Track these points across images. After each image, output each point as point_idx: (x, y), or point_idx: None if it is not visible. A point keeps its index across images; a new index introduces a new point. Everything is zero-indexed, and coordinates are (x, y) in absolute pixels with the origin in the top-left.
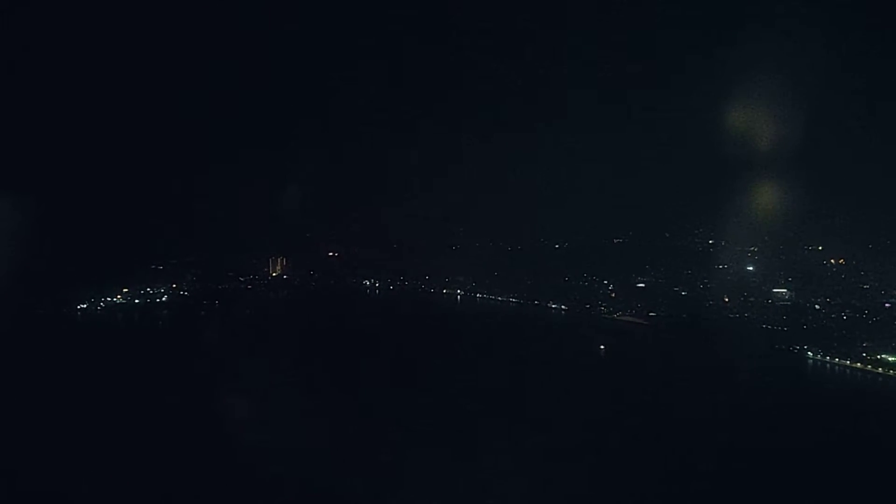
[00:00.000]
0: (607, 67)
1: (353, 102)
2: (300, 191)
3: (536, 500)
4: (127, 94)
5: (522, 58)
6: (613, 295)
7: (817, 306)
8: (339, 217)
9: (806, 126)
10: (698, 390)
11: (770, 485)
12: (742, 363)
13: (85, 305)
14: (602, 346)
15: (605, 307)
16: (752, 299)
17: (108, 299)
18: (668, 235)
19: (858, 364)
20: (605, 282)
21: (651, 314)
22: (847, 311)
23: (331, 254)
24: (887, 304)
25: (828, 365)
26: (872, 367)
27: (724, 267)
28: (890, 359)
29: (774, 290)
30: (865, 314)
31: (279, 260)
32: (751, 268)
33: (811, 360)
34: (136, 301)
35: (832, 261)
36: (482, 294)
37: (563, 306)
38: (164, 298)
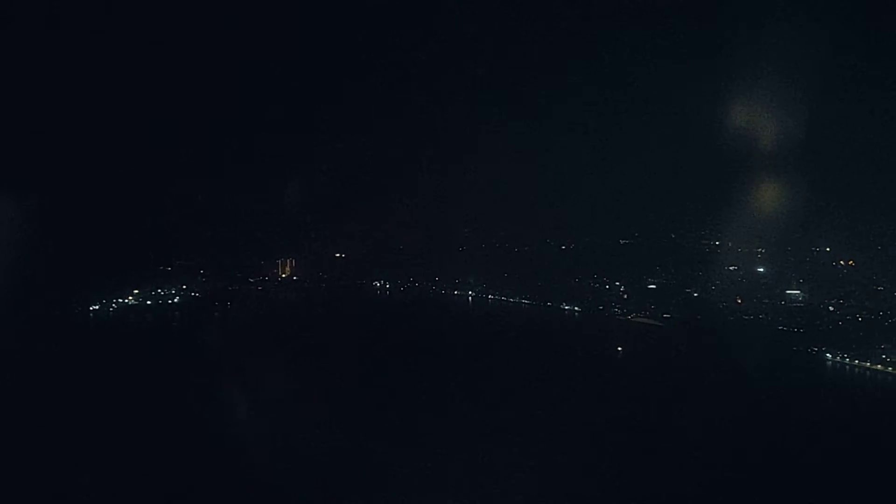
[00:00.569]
0: (610, 67)
1: (358, 103)
2: (304, 191)
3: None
4: (135, 94)
5: (528, 57)
6: (625, 296)
7: (831, 308)
8: (342, 218)
9: (811, 126)
10: (723, 392)
11: (806, 489)
12: (763, 365)
13: (97, 307)
14: (619, 348)
15: (618, 309)
16: (765, 301)
17: (120, 301)
18: (673, 236)
19: (879, 366)
20: (617, 283)
21: (665, 316)
22: (863, 312)
23: (337, 255)
24: None
25: (847, 367)
26: (893, 368)
27: (734, 268)
28: None
29: (788, 292)
30: (881, 316)
31: (288, 261)
32: (761, 269)
33: (830, 362)
34: (148, 302)
35: (841, 262)
36: (493, 295)
37: (576, 308)
38: (176, 300)
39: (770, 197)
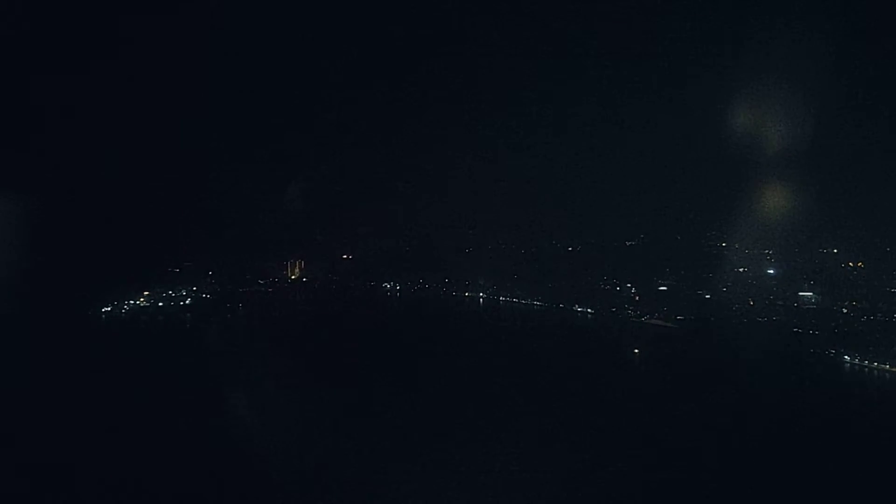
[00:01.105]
0: (618, 69)
1: (365, 105)
2: (309, 192)
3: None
4: (145, 98)
5: (535, 58)
6: (637, 298)
7: (844, 310)
8: (348, 219)
9: (816, 128)
10: (746, 395)
11: (839, 491)
12: (782, 368)
13: (108, 309)
14: (636, 351)
15: (631, 311)
16: (779, 303)
17: (131, 303)
18: (679, 238)
19: None
20: (628, 285)
21: (679, 318)
22: (877, 314)
23: (344, 256)
24: None
25: (866, 369)
26: None
27: (744, 270)
28: None
29: (800, 294)
30: (895, 318)
31: (298, 262)
32: (771, 271)
33: (848, 365)
34: (160, 304)
35: (850, 264)
36: (505, 297)
37: (588, 310)
38: (187, 301)
39: (775, 198)
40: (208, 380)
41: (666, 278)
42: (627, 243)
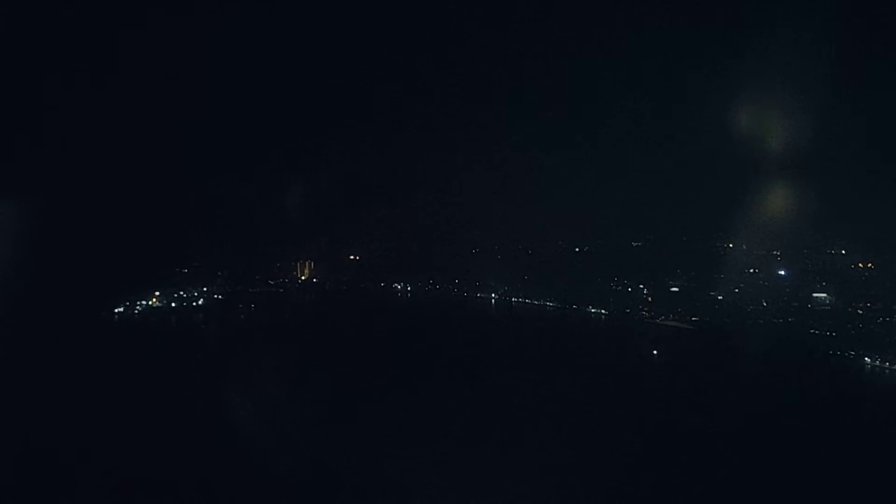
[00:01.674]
0: (624, 70)
1: (373, 106)
2: (316, 193)
3: None
4: (153, 100)
5: (542, 59)
6: (650, 299)
7: (859, 311)
8: (354, 220)
9: (820, 128)
10: (771, 397)
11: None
12: (803, 369)
13: (121, 310)
14: (655, 352)
15: (646, 312)
16: (794, 304)
17: (143, 303)
18: (685, 239)
19: None
20: (641, 286)
21: (693, 319)
22: (893, 315)
23: (351, 256)
24: None
25: (887, 371)
26: None
27: (754, 271)
28: None
29: (814, 295)
30: None
31: (307, 263)
32: (782, 272)
33: (869, 366)
34: (172, 305)
35: (860, 265)
36: (517, 298)
37: (603, 310)
38: (199, 302)
39: (781, 199)
40: (225, 381)
41: (677, 279)
42: (634, 244)
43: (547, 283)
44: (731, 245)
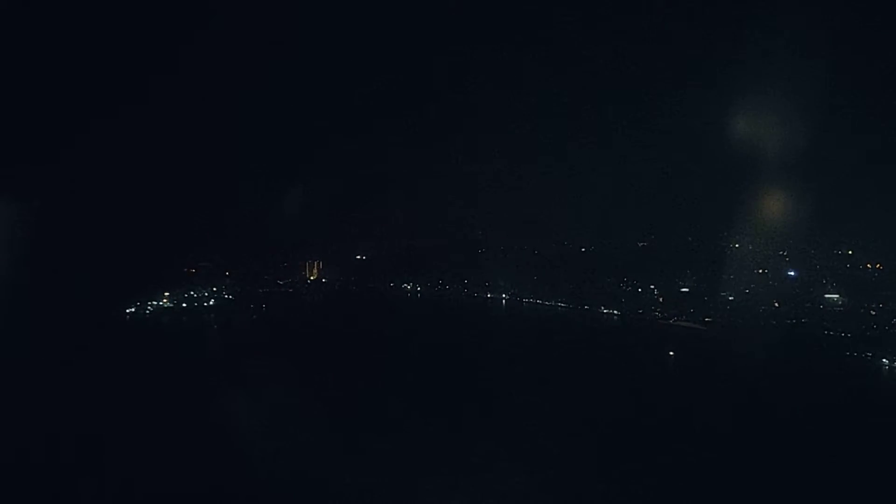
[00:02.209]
0: (626, 70)
1: (373, 105)
2: (322, 193)
3: None
4: (162, 101)
5: (547, 60)
6: (661, 300)
7: (872, 312)
8: (360, 220)
9: (825, 128)
10: (795, 398)
11: None
12: (823, 371)
13: (132, 310)
14: (671, 353)
15: (658, 312)
16: (807, 305)
17: (155, 303)
18: (689, 239)
19: None
20: (651, 286)
21: (707, 319)
22: None
23: (358, 256)
24: None
25: None
26: None
27: (763, 272)
28: None
29: (826, 296)
30: None
31: (316, 263)
32: (791, 272)
33: (887, 368)
34: (184, 305)
35: (868, 265)
36: (528, 299)
37: (615, 311)
38: (211, 302)
39: (787, 199)
40: (240, 382)
41: (685, 279)
42: (640, 244)
43: (556, 284)
44: (737, 245)
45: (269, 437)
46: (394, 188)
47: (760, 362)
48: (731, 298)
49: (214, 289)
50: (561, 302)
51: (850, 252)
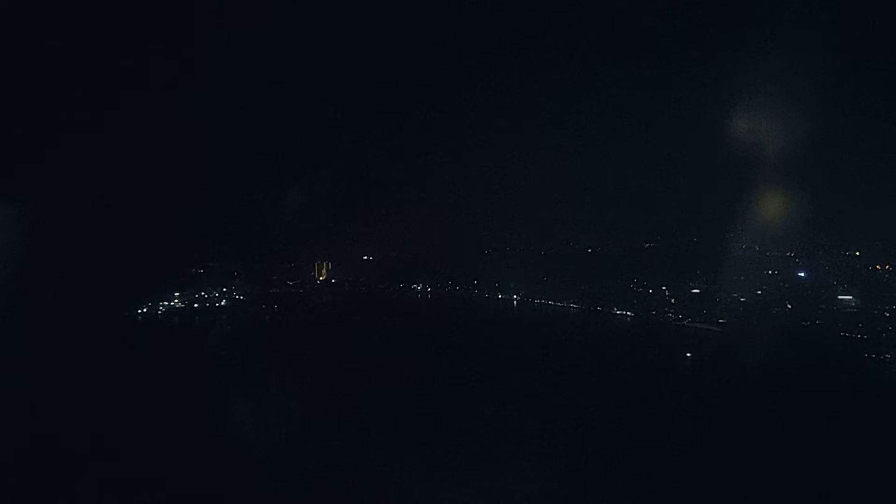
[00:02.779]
0: (631, 69)
1: (378, 104)
2: (328, 192)
3: None
4: (166, 102)
5: (554, 59)
6: (673, 301)
7: (887, 314)
8: (368, 219)
9: (831, 128)
10: (821, 401)
11: None
12: (843, 372)
13: (144, 310)
14: (689, 354)
15: (672, 314)
16: (821, 307)
17: (166, 303)
18: (695, 240)
19: None
20: (663, 287)
21: (721, 321)
22: None
23: (365, 257)
24: None
25: None
26: None
27: (774, 273)
28: None
29: (840, 297)
30: None
31: (325, 264)
32: (801, 274)
33: None
34: (195, 305)
35: (878, 266)
36: (540, 300)
37: (628, 313)
38: (222, 302)
39: (794, 200)
40: (260, 382)
41: (696, 281)
42: (646, 245)
43: (567, 285)
44: (744, 246)
45: (290, 437)
46: (402, 189)
47: (778, 364)
48: (742, 300)
49: (225, 289)
50: (573, 303)
51: (857, 253)
